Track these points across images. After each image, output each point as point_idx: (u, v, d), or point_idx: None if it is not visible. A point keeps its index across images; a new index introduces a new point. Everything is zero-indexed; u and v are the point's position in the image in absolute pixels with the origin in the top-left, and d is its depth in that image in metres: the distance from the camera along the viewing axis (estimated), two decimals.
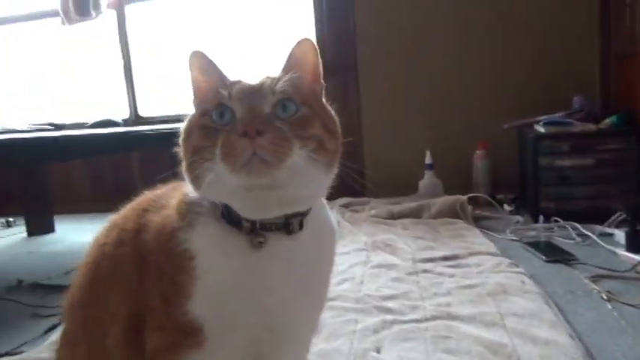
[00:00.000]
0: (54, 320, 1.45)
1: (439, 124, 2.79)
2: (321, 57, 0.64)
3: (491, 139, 2.66)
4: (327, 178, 0.62)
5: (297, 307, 0.63)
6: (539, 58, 2.64)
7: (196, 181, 0.59)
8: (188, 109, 0.66)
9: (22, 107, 3.40)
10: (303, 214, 0.61)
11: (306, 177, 0.57)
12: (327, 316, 1.22)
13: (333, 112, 0.65)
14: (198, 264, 0.58)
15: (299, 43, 0.63)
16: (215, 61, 0.63)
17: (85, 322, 0.69)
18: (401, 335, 1.13)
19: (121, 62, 3.27)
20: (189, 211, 0.61)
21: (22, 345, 1.30)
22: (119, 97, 3.29)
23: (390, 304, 1.32)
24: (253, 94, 0.58)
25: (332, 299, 1.34)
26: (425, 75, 2.79)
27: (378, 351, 1.08)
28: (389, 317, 1.23)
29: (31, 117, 2.91)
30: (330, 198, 0.69)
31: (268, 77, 0.61)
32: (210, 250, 0.59)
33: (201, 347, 0.59)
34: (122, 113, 3.23)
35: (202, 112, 0.60)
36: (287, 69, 0.62)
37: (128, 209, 0.71)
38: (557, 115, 2.19)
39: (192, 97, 0.65)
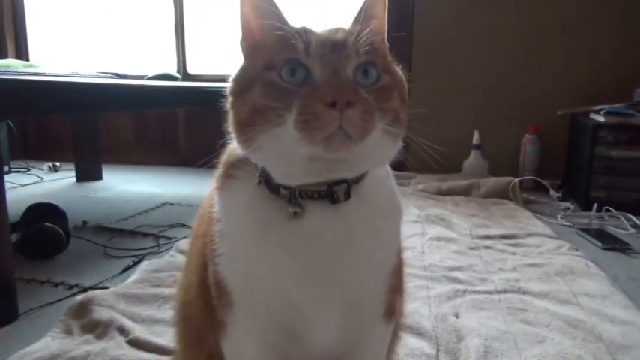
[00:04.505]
0: (127, 261, 1.51)
1: (489, 105, 2.78)
2: None
3: (540, 124, 2.65)
4: (394, 150, 0.56)
5: (330, 286, 0.56)
6: (599, 48, 2.60)
7: (248, 142, 0.51)
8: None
9: (90, 54, 3.42)
10: (351, 182, 0.54)
11: (377, 151, 0.52)
12: None
13: (404, 77, 0.57)
14: (223, 228, 0.57)
15: None
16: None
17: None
18: (476, 304, 1.17)
19: (174, 19, 3.27)
20: (225, 174, 0.58)
21: (102, 282, 1.36)
22: (168, 53, 3.30)
23: (457, 274, 1.35)
24: (336, 51, 0.49)
25: None
26: (479, 56, 2.76)
27: (457, 316, 1.12)
28: (460, 287, 1.27)
29: (99, 65, 2.96)
30: None
31: (343, 30, 0.53)
32: (235, 216, 0.56)
33: (232, 308, 0.58)
34: (170, 70, 3.25)
35: (267, 65, 0.50)
36: (362, 23, 0.53)
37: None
38: (619, 106, 2.17)
39: (240, 38, 0.55)
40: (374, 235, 0.56)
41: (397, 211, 0.60)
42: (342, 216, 0.54)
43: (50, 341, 1.00)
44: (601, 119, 2.17)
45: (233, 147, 0.59)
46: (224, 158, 0.61)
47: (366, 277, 0.58)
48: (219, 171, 0.60)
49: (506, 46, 2.72)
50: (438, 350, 0.97)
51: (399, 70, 0.57)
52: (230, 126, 0.55)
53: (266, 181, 0.55)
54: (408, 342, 0.99)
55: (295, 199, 0.53)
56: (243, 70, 0.54)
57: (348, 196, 0.54)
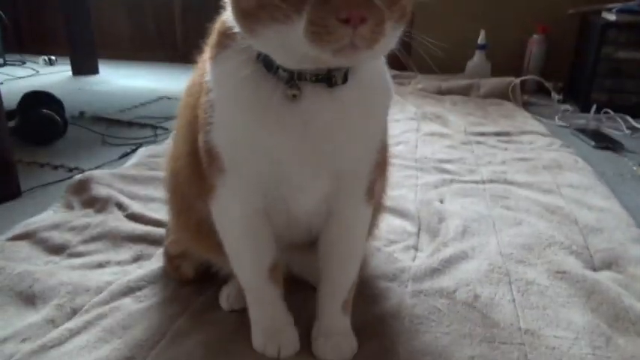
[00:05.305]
0: (125, 148, 1.54)
1: (497, 3, 2.65)
2: None
3: (549, 24, 2.54)
4: (395, 41, 0.54)
5: (320, 159, 0.59)
6: None
7: (251, 32, 0.51)
8: None
9: None
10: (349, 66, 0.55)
11: (383, 46, 0.52)
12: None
13: None
14: (214, 98, 0.58)
15: None
16: None
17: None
18: (461, 192, 1.21)
19: None
20: (219, 43, 0.58)
21: (101, 166, 1.40)
22: None
23: (447, 166, 1.38)
24: None
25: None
26: None
27: (441, 202, 1.16)
28: (447, 177, 1.31)
29: None
30: None
31: None
32: (229, 88, 0.57)
33: (223, 175, 0.61)
34: None
35: None
36: None
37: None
38: (633, 3, 2.06)
39: None
40: (365, 114, 0.59)
41: (387, 91, 0.62)
42: (337, 99, 0.56)
43: (52, 214, 1.05)
44: (612, 17, 2.07)
45: (227, 16, 0.57)
46: (218, 26, 0.59)
47: (354, 151, 0.61)
48: (212, 40, 0.59)
49: None
50: (419, 229, 1.02)
51: None
52: (232, 12, 0.53)
53: (264, 59, 0.55)
54: (392, 222, 1.04)
55: (294, 81, 0.54)
56: None
57: (345, 79, 0.55)
